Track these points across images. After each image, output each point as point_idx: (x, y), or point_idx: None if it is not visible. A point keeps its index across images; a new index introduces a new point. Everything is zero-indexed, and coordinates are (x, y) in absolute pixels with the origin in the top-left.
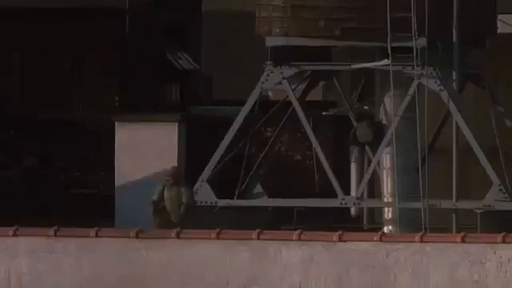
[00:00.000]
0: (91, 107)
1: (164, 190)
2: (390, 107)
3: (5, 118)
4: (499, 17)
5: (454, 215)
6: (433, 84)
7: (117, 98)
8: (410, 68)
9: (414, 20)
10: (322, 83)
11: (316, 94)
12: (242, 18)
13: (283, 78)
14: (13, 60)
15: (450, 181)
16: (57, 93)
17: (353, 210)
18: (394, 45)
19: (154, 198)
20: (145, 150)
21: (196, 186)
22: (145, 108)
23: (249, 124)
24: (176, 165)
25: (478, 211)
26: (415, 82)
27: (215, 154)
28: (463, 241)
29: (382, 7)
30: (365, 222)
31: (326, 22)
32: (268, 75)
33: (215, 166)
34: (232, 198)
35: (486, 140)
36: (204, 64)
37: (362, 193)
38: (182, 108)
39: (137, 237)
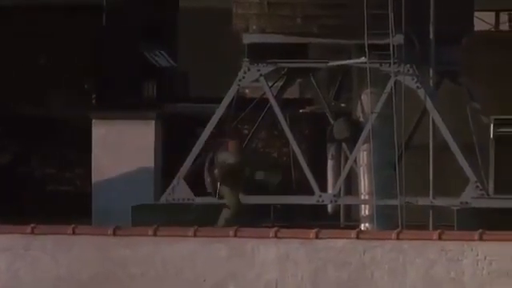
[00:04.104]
0: (68, 104)
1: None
2: (366, 104)
3: None
4: (475, 14)
5: (430, 212)
6: (410, 81)
7: (94, 96)
8: (387, 65)
9: (390, 17)
10: (299, 80)
11: (293, 92)
12: (218, 15)
13: (260, 75)
14: None
15: (426, 178)
16: (34, 90)
17: (330, 208)
18: (371, 42)
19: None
20: (121, 147)
21: (173, 183)
22: (121, 105)
23: (226, 121)
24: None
25: (455, 208)
26: (392, 80)
27: (192, 151)
28: (440, 238)
29: (359, 5)
30: (342, 219)
31: (302, 19)
32: (245, 72)
33: (192, 164)
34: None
35: (461, 137)
36: (180, 61)
37: (339, 190)
38: (159, 105)
39: (114, 234)
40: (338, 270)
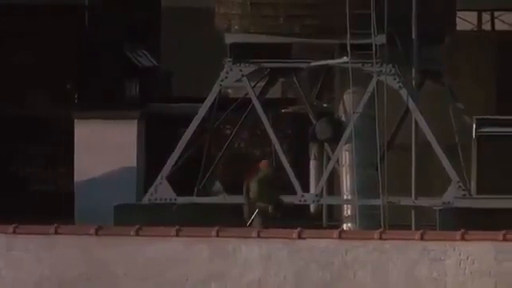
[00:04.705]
0: (50, 104)
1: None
2: (349, 104)
3: None
4: (458, 14)
5: (413, 212)
6: (392, 81)
7: (76, 96)
8: (369, 65)
9: (373, 17)
10: (281, 80)
11: (276, 92)
12: (201, 15)
13: (242, 75)
14: None
15: (409, 178)
16: (16, 90)
17: (312, 207)
18: (354, 42)
19: None
20: (104, 147)
21: (155, 182)
22: (104, 105)
23: (208, 121)
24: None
25: (437, 208)
26: (374, 79)
27: (175, 151)
28: (422, 238)
29: (342, 4)
30: (324, 219)
31: (285, 19)
32: (227, 72)
33: (174, 163)
34: (191, 196)
35: (444, 137)
36: (163, 61)
37: (322, 190)
38: (142, 105)
39: (96, 234)
40: (321, 269)
